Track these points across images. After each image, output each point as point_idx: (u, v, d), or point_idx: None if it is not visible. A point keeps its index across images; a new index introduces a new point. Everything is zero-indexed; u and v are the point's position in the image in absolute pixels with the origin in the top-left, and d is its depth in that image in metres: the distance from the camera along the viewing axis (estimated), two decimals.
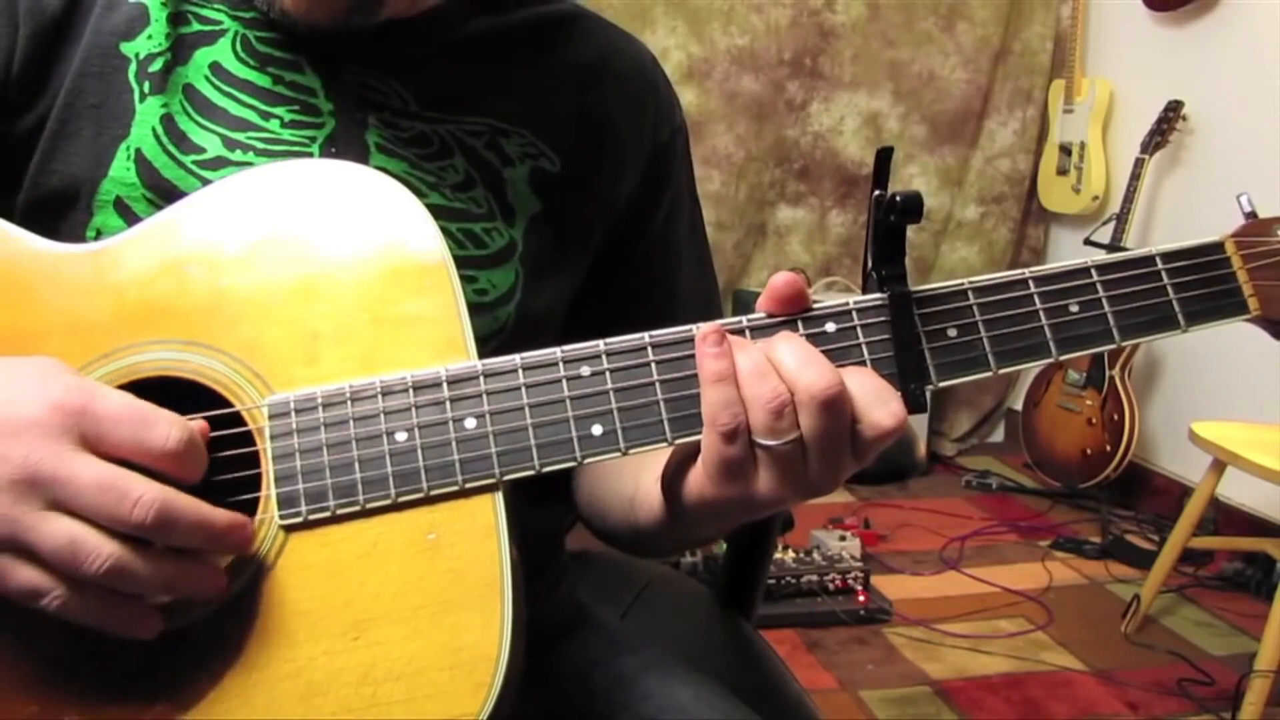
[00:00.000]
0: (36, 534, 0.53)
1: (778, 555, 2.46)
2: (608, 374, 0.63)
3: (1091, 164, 3.42)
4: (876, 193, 0.64)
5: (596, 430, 0.62)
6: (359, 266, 0.65)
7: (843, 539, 2.53)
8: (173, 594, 0.57)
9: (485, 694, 0.59)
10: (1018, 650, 2.37)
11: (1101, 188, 3.43)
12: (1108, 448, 3.14)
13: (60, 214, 0.71)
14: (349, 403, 0.62)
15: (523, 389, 0.62)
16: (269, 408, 0.62)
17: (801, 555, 2.49)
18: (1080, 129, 3.46)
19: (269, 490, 0.61)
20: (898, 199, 0.61)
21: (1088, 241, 3.19)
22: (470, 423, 0.62)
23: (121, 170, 0.71)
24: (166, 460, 0.56)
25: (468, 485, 0.61)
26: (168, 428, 0.56)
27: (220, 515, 0.57)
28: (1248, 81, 2.94)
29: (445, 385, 0.62)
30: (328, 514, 0.61)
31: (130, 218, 0.71)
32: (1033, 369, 3.51)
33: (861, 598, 2.46)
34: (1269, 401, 2.71)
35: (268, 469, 0.62)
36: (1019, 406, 3.53)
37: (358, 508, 0.61)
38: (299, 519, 0.61)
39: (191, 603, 0.60)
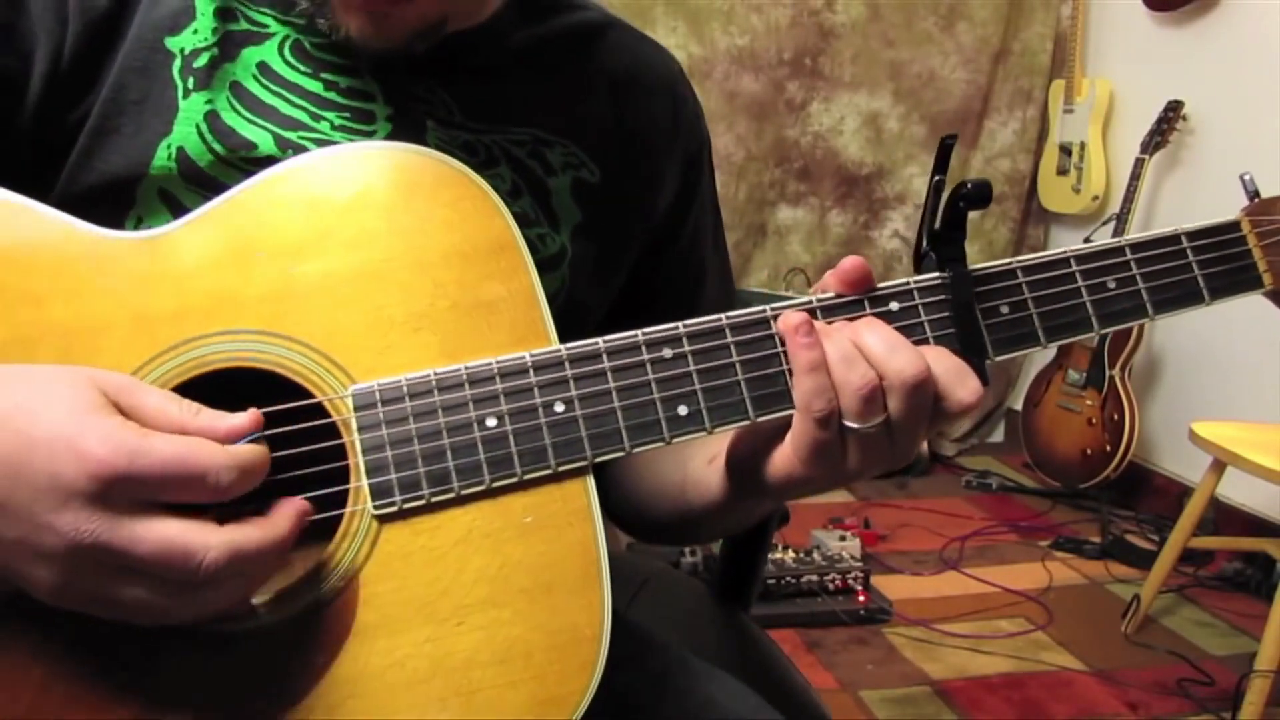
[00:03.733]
0: (119, 597, 0.54)
1: (778, 555, 2.46)
2: (689, 355, 0.64)
3: (1091, 164, 3.42)
4: (937, 178, 0.67)
5: (682, 410, 0.64)
6: (430, 250, 0.64)
7: (843, 539, 2.53)
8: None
9: (590, 674, 0.61)
10: (1018, 650, 2.37)
11: (1101, 188, 3.43)
12: (1108, 448, 3.14)
13: (99, 209, 0.70)
14: (435, 391, 0.62)
15: (608, 372, 0.63)
16: (353, 398, 0.62)
17: (801, 555, 2.48)
18: (1080, 129, 3.46)
19: (360, 481, 0.61)
20: (969, 185, 0.65)
21: (1087, 241, 3.18)
22: (559, 407, 0.63)
23: (162, 167, 0.70)
24: (225, 497, 0.54)
25: (560, 469, 0.62)
26: (216, 474, 0.54)
27: (282, 525, 0.56)
28: (1248, 81, 2.93)
29: (531, 371, 0.63)
30: (422, 502, 0.61)
31: (175, 206, 0.70)
32: (1032, 368, 3.51)
33: (861, 598, 2.46)
34: (1269, 401, 2.71)
35: (357, 460, 0.61)
36: (1019, 406, 3.53)
37: (453, 495, 0.61)
38: (394, 509, 0.61)
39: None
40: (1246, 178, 0.74)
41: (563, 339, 0.65)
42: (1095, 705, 2.17)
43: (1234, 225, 0.70)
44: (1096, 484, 3.19)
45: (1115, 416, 3.13)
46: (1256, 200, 0.71)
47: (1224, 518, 2.87)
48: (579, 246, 0.80)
